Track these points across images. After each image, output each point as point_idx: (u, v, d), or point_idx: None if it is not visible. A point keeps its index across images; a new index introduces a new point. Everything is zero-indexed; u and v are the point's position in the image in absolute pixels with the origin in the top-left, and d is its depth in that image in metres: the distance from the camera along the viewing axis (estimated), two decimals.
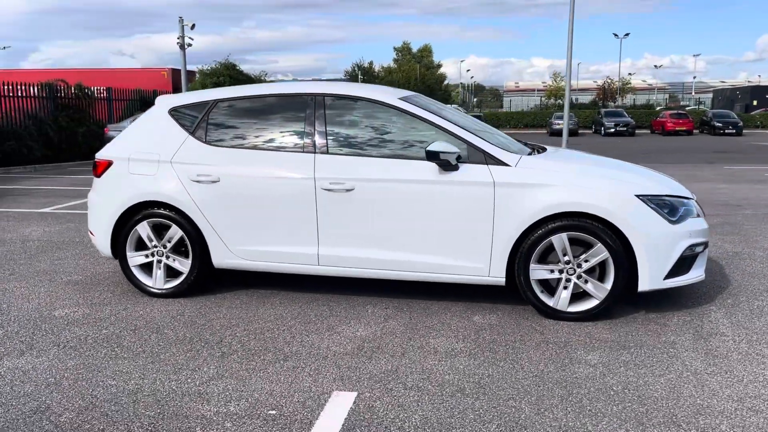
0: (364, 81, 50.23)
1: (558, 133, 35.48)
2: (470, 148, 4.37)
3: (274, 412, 3.07)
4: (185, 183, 4.71)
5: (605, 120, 38.58)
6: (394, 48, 75.95)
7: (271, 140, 4.69)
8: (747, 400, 3.16)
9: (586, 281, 4.26)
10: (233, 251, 4.71)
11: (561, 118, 38.43)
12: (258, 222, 4.64)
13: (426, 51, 79.24)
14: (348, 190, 4.45)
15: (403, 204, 4.40)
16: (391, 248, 4.47)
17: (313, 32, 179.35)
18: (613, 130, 37.52)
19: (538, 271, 4.30)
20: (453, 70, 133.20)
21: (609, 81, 67.69)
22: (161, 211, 4.79)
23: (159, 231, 4.86)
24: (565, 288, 4.28)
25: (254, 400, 3.18)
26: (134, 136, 5.01)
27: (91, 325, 4.28)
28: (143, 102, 23.25)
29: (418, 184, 4.37)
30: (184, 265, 4.81)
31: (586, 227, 4.18)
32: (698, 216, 4.49)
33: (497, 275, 4.36)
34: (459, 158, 4.33)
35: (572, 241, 4.25)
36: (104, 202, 4.93)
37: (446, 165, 4.30)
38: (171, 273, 4.88)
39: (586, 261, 4.24)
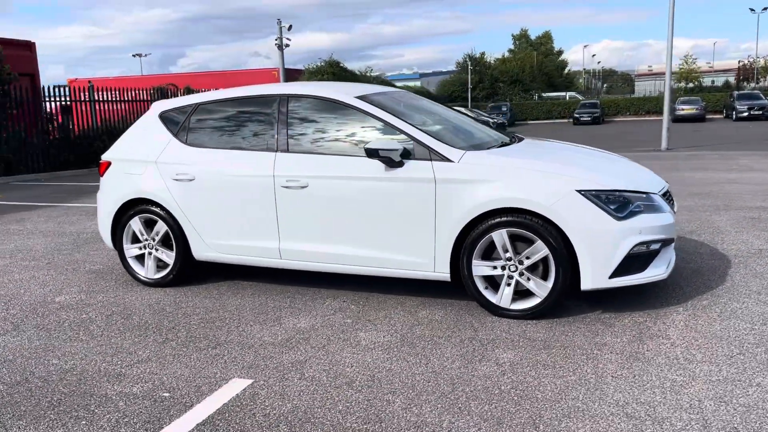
0: (474, 72, 49.71)
1: (681, 120, 33.30)
2: (417, 144, 4.40)
3: (167, 394, 3.34)
4: (167, 181, 5.10)
5: (737, 103, 35.65)
6: (512, 36, 74.39)
7: (242, 140, 4.98)
8: (630, 405, 3.03)
9: (528, 279, 4.18)
10: (209, 245, 5.05)
11: (686, 103, 36.11)
12: (228, 218, 4.94)
13: (545, 38, 76.96)
14: (302, 187, 4.64)
15: (352, 200, 4.52)
16: (343, 243, 4.61)
17: (437, 24, 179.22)
18: (746, 114, 34.56)
19: (480, 268, 4.26)
20: (579, 56, 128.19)
21: (751, 60, 62.37)
22: (150, 207, 5.22)
23: (150, 225, 5.30)
24: (508, 285, 4.22)
25: (158, 383, 3.47)
26: (130, 139, 5.48)
27: (77, 310, 4.78)
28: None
29: (365, 181, 4.47)
30: (169, 257, 5.22)
31: (526, 223, 4.09)
32: (661, 211, 4.24)
33: (442, 271, 4.37)
34: (408, 155, 4.38)
35: (515, 238, 4.18)
36: (105, 199, 5.44)
37: (389, 162, 4.37)
38: (161, 264, 5.31)
39: (527, 258, 4.15)
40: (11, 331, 4.37)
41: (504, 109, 41.79)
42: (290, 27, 23.74)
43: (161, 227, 5.20)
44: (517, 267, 4.19)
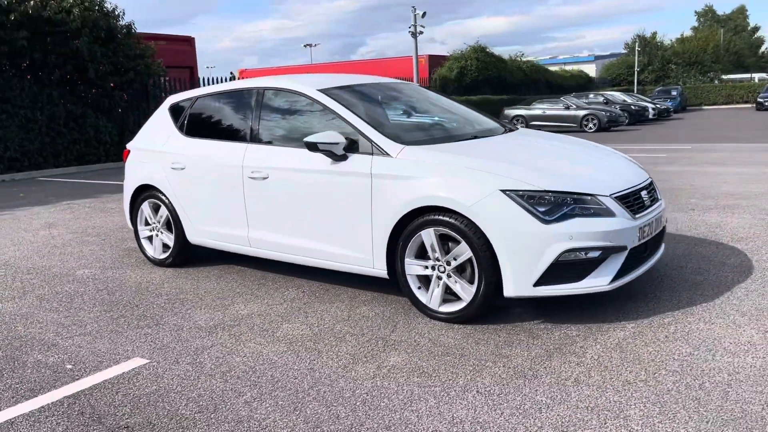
0: (643, 53, 46.21)
1: None
2: (362, 138, 4.34)
3: (70, 366, 3.66)
4: (166, 170, 5.49)
5: None
6: (695, 12, 68.07)
7: (224, 131, 5.22)
8: (462, 424, 2.82)
9: (456, 281, 3.98)
10: (198, 231, 5.37)
11: None
12: (210, 205, 5.22)
13: (738, 13, 69.53)
14: (264, 178, 4.77)
15: (303, 193, 4.58)
16: (297, 235, 4.68)
17: (621, 3, 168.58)
18: None
19: (413, 267, 4.13)
20: None
21: None
22: (155, 193, 5.66)
23: (156, 210, 5.74)
24: (437, 286, 4.05)
25: (74, 355, 3.81)
26: (147, 129, 5.95)
27: (81, 283, 5.33)
28: None
29: (313, 174, 4.50)
30: (170, 240, 5.63)
31: (451, 223, 3.89)
32: (606, 216, 3.81)
33: (380, 268, 4.30)
34: (355, 149, 4.34)
35: (445, 238, 4.00)
36: (125, 184, 5.98)
37: (332, 155, 4.36)
38: (165, 246, 5.73)
39: (454, 259, 3.96)
40: (15, 298, 4.99)
41: (674, 93, 38.49)
42: (424, 14, 23.74)
43: (164, 212, 5.62)
44: (445, 268, 4.00)
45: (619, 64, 48.53)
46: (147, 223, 5.84)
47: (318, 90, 4.74)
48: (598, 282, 3.80)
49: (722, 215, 6.83)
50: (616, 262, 3.84)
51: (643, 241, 4.00)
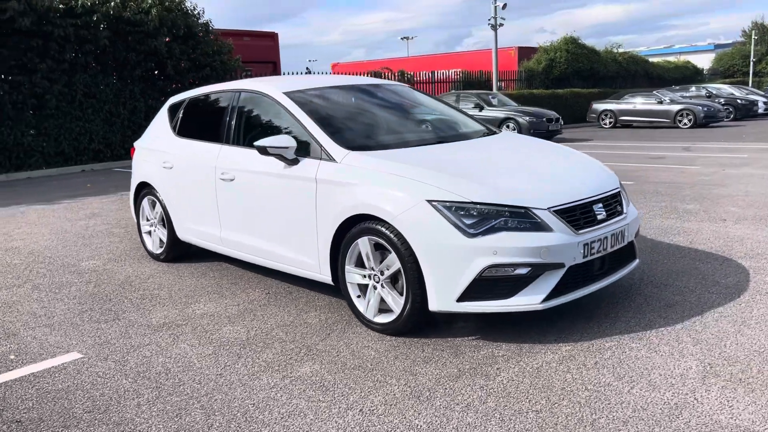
0: (760, 43, 42.65)
1: None
2: (314, 142, 4.31)
3: (13, 357, 3.88)
4: (159, 168, 5.69)
5: None
6: None
7: (206, 132, 5.32)
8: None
9: (388, 292, 3.87)
10: (184, 228, 5.53)
11: None
12: (193, 204, 5.35)
13: None
14: (231, 180, 4.84)
15: (261, 195, 4.60)
16: (258, 236, 4.72)
17: None
18: None
19: (353, 275, 4.05)
20: None
21: None
22: (151, 190, 5.88)
23: (153, 206, 5.95)
24: (374, 296, 3.96)
25: (23, 346, 4.03)
26: (149, 129, 6.18)
27: (78, 275, 5.63)
28: (466, 82, 24.72)
29: (270, 177, 4.51)
30: (164, 235, 5.83)
31: (383, 232, 3.78)
32: (539, 230, 3.56)
33: (325, 274, 4.25)
34: (308, 153, 4.31)
35: (380, 247, 3.89)
36: (131, 181, 6.25)
37: (283, 159, 4.35)
38: (161, 241, 5.95)
39: (387, 269, 3.85)
40: (14, 287, 5.35)
41: None
42: (504, 5, 23.11)
43: (158, 209, 5.82)
44: (379, 278, 3.90)
45: (732, 54, 45.12)
46: (147, 219, 6.08)
47: (283, 93, 4.73)
48: (530, 300, 3.57)
49: (752, 228, 6.22)
50: (551, 281, 3.59)
51: (589, 258, 3.72)
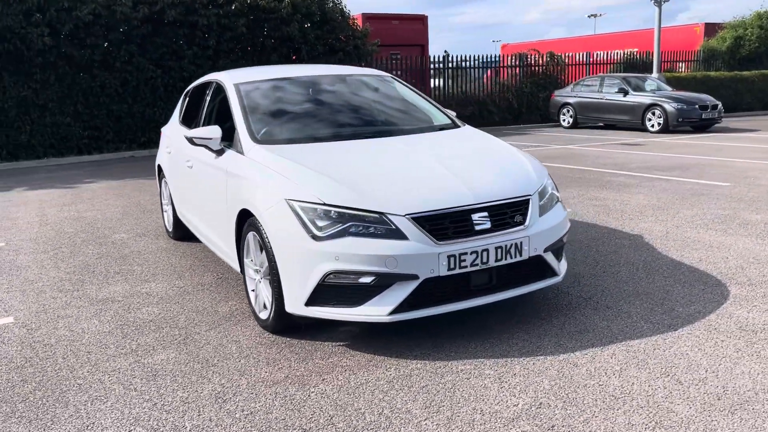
0: None
1: None
2: (236, 134, 4.36)
3: None
4: (165, 153, 6.09)
5: None
6: None
7: (190, 121, 5.60)
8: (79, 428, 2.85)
9: (264, 288, 3.84)
10: (179, 210, 5.88)
11: None
12: (178, 188, 5.67)
13: None
14: (190, 168, 5.06)
15: (203, 184, 4.78)
16: (205, 223, 4.91)
17: None
18: None
19: (248, 268, 4.07)
20: None
21: None
22: (162, 172, 6.31)
23: (166, 187, 6.37)
24: (259, 291, 3.95)
25: None
26: (173, 115, 6.60)
27: (97, 246, 6.22)
28: (628, 64, 22.83)
29: (206, 167, 4.66)
30: (171, 215, 6.24)
31: (259, 228, 3.75)
32: (392, 238, 3.31)
33: (235, 265, 4.31)
34: (232, 144, 4.39)
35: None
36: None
37: (209, 150, 4.47)
38: (171, 220, 6.36)
39: (262, 265, 3.82)
40: (37, 252, 6.05)
41: None
42: None
43: (167, 190, 6.24)
44: (260, 273, 3.89)
45: None
46: (163, 198, 6.54)
47: (234, 83, 4.82)
48: (377, 311, 3.35)
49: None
50: (401, 293, 3.33)
51: (459, 271, 3.37)
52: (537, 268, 3.69)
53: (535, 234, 3.62)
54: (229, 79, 4.92)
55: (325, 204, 3.42)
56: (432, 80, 20.82)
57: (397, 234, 3.33)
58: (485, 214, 3.49)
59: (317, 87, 4.99)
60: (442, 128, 4.70)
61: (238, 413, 2.94)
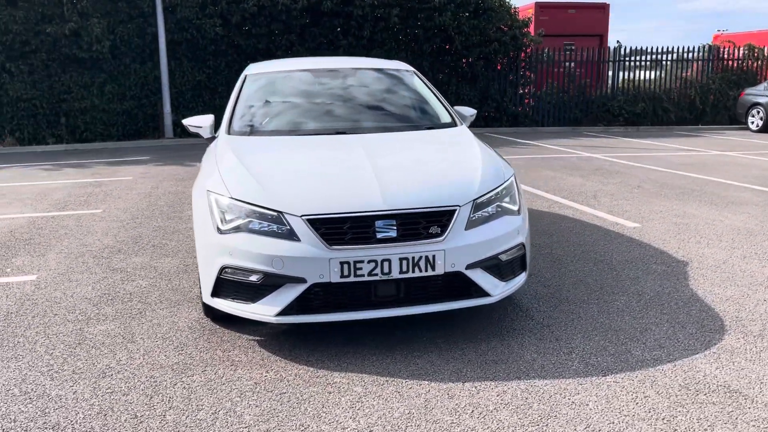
0: None
1: None
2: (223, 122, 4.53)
3: (9, 270, 5.12)
4: None
5: None
6: None
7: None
8: None
9: None
10: None
11: None
12: None
13: None
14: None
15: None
16: None
17: None
18: None
19: None
20: None
21: None
22: None
23: None
24: None
25: (23, 263, 5.25)
26: None
27: (163, 218, 6.77)
28: None
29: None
30: None
31: None
32: (285, 239, 3.22)
33: None
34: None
35: None
36: None
37: (201, 137, 4.68)
38: None
39: None
40: (120, 221, 6.74)
41: None
42: None
43: None
44: None
45: None
46: None
47: (246, 74, 4.97)
48: (266, 311, 3.29)
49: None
50: (289, 295, 3.23)
51: (354, 279, 3.19)
52: (457, 285, 3.35)
53: (455, 248, 3.28)
54: (248, 69, 5.08)
55: (232, 198, 3.42)
56: (620, 73, 19.23)
57: (291, 235, 3.23)
58: (392, 222, 3.24)
59: (321, 80, 4.95)
60: (431, 127, 4.43)
61: (102, 391, 3.07)
